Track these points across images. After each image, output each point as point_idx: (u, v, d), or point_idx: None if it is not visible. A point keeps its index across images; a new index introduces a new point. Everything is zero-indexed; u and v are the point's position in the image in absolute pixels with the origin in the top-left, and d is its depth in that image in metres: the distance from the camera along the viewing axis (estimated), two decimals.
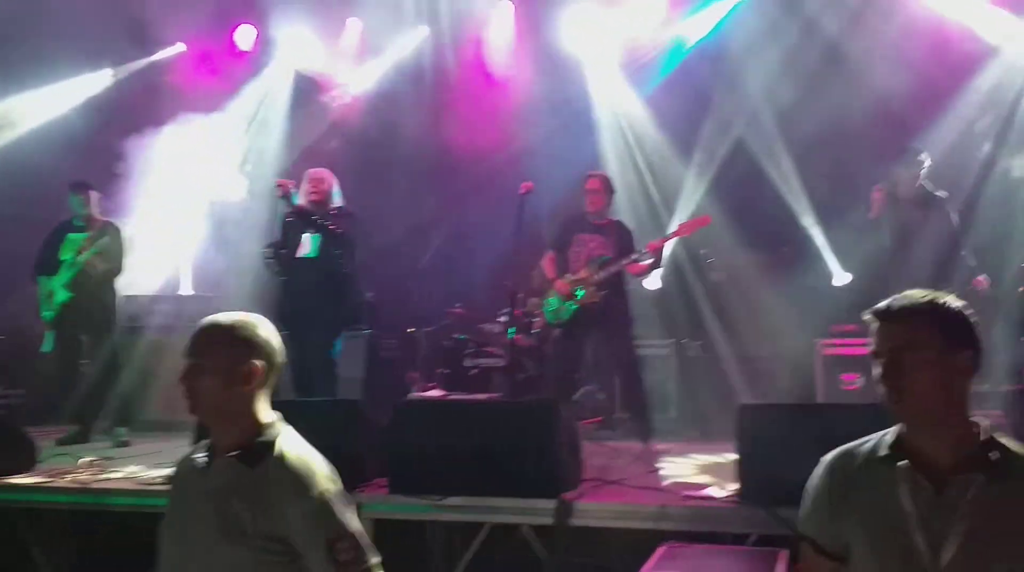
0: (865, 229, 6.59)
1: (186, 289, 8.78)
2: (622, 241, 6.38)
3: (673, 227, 6.25)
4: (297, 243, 6.22)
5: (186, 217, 8.93)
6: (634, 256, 6.24)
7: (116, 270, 6.78)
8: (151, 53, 9.70)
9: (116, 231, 6.84)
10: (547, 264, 6.53)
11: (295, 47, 9.83)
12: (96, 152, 8.83)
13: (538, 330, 8.10)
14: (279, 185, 6.21)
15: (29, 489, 4.71)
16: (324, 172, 6.42)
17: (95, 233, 6.64)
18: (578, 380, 7.16)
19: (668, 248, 6.44)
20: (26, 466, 5.06)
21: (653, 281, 7.99)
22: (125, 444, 6.44)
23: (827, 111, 7.66)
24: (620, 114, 9.20)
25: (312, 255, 6.16)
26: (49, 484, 4.76)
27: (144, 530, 2.73)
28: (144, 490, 4.53)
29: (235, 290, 8.48)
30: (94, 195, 6.86)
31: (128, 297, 7.87)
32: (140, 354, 7.80)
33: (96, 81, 9.32)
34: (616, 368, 6.85)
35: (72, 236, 6.68)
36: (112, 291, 6.85)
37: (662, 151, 8.77)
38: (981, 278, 6.50)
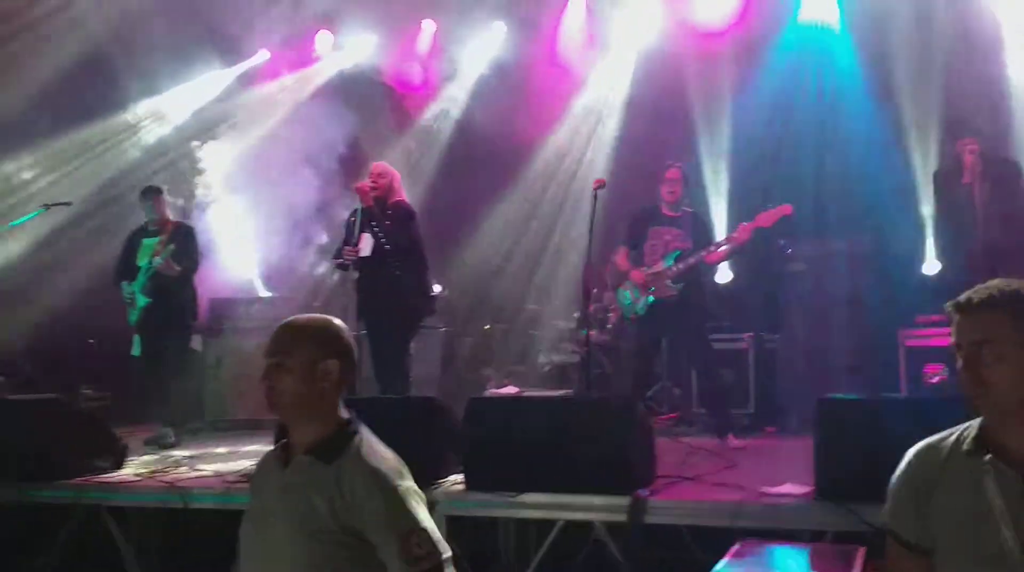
0: (959, 206, 6.26)
1: (265, 291, 8.94)
2: (699, 232, 6.30)
3: (754, 218, 6.09)
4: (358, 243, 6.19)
5: (265, 219, 9.09)
6: (712, 247, 6.17)
7: (191, 270, 6.86)
8: (236, 63, 9.86)
9: (188, 231, 6.96)
10: (620, 258, 6.47)
11: (368, 51, 9.92)
12: (181, 159, 9.09)
13: (612, 325, 8.08)
14: (356, 189, 6.22)
15: (118, 488, 4.85)
16: (384, 166, 6.38)
17: (167, 236, 6.73)
18: (654, 375, 7.10)
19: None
20: (116, 465, 5.23)
21: (723, 273, 7.88)
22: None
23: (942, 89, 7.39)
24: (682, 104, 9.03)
25: (368, 254, 6.09)
26: (137, 483, 4.90)
27: (228, 527, 2.80)
28: (228, 488, 4.63)
29: (314, 291, 8.67)
30: (164, 199, 6.98)
31: (210, 300, 8.06)
32: (221, 356, 8.00)
33: (189, 92, 9.47)
34: (692, 362, 6.77)
35: (146, 241, 6.80)
36: (190, 292, 6.94)
37: (741, 139, 8.56)
38: None
